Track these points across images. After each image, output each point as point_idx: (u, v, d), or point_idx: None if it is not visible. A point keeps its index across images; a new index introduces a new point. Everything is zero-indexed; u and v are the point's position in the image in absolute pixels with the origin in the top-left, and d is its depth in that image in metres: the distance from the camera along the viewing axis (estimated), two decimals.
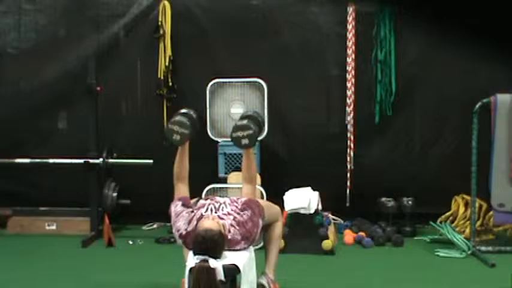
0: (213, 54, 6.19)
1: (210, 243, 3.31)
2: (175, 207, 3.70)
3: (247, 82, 5.84)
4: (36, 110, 6.25)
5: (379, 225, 5.73)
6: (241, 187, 3.86)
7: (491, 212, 5.43)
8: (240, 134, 3.65)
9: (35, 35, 6.31)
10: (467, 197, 5.58)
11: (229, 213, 3.60)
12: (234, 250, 3.51)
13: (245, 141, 3.65)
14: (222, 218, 3.55)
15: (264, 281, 3.90)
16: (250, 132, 3.66)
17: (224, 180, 5.69)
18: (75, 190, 5.98)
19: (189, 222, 3.59)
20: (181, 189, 3.82)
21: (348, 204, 6.12)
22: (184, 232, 3.57)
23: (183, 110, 3.90)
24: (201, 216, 3.59)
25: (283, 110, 6.20)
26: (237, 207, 3.65)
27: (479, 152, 5.16)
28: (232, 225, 3.54)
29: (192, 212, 3.64)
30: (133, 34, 6.27)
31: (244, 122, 3.72)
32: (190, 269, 3.29)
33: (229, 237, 3.49)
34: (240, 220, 3.56)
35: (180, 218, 3.63)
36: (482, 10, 5.80)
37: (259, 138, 3.71)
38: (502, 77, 5.83)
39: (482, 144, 5.15)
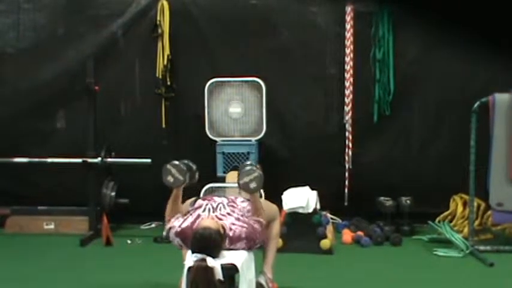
0: (212, 54, 6.20)
1: (208, 242, 3.31)
2: (172, 223, 3.70)
3: (245, 81, 5.85)
4: (35, 109, 6.24)
5: (377, 224, 5.73)
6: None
7: (489, 212, 5.44)
8: (246, 179, 3.70)
9: (33, 34, 6.31)
10: (466, 196, 5.58)
11: (228, 214, 3.61)
12: (233, 249, 3.52)
13: (253, 185, 3.69)
14: (220, 219, 3.55)
15: (262, 280, 3.91)
16: (256, 174, 3.70)
17: (222, 180, 5.69)
18: (74, 189, 5.99)
19: (184, 220, 3.60)
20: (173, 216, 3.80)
21: (346, 204, 6.12)
22: (179, 229, 3.57)
23: (186, 161, 3.92)
24: (198, 216, 3.60)
25: (281, 110, 6.20)
26: (241, 207, 3.68)
27: (478, 152, 5.17)
28: (234, 223, 3.54)
29: (188, 213, 3.66)
30: (131, 33, 6.26)
31: (248, 167, 3.77)
32: (189, 268, 3.29)
33: (231, 234, 3.50)
34: (249, 222, 3.60)
35: (175, 220, 3.66)
36: (481, 10, 5.80)
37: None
38: (501, 77, 5.83)
39: (480, 143, 5.16)
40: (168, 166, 3.77)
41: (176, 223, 3.61)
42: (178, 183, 3.76)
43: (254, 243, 3.62)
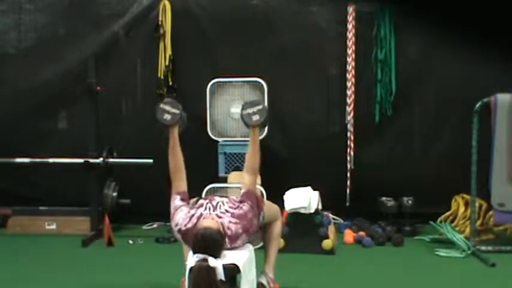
0: (213, 54, 6.20)
1: (209, 242, 3.31)
2: (174, 201, 3.66)
3: (247, 82, 5.85)
4: (36, 110, 6.25)
5: (379, 224, 5.73)
6: (241, 186, 3.84)
7: (491, 212, 5.43)
8: (250, 110, 3.61)
9: (35, 34, 6.32)
10: (467, 197, 5.58)
11: (226, 211, 3.59)
12: (235, 247, 3.51)
13: (256, 117, 3.60)
14: (219, 217, 3.55)
15: (263, 280, 3.91)
16: (260, 107, 3.61)
17: (224, 180, 5.69)
18: (75, 190, 5.98)
19: (189, 219, 3.58)
20: (178, 184, 3.74)
21: (348, 204, 6.12)
22: (183, 228, 3.56)
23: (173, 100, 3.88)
24: (201, 215, 3.59)
25: (283, 110, 6.20)
26: (234, 203, 3.64)
27: (479, 152, 5.16)
28: (231, 221, 3.52)
29: (192, 209, 3.64)
30: (133, 34, 6.27)
31: (254, 98, 3.67)
32: (190, 269, 3.29)
33: (229, 233, 3.49)
34: (239, 213, 3.55)
35: (179, 212, 3.60)
36: (482, 10, 5.81)
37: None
38: (502, 77, 5.83)
39: (482, 143, 5.15)
40: (161, 105, 3.70)
41: (181, 222, 3.58)
42: (176, 117, 3.69)
43: (254, 230, 3.61)
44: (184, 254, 3.75)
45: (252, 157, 3.75)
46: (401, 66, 6.08)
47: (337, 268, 4.84)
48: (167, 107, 3.69)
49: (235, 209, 3.59)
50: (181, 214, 3.59)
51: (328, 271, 4.74)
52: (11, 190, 6.27)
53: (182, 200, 3.68)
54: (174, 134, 3.77)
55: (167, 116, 3.68)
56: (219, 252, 3.36)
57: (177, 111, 3.70)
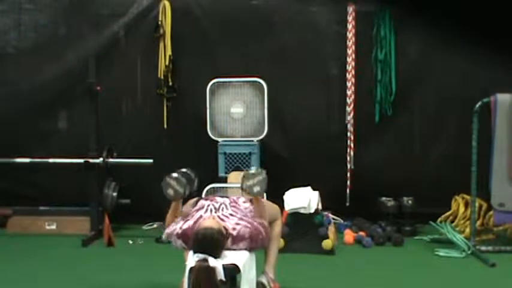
0: (213, 54, 6.20)
1: (210, 242, 3.32)
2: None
3: (247, 82, 5.85)
4: (36, 110, 6.25)
5: (379, 224, 5.73)
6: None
7: (491, 212, 5.44)
8: (251, 182, 3.68)
9: (35, 34, 6.32)
10: (467, 197, 5.58)
11: (231, 215, 3.61)
12: (235, 249, 3.52)
13: (257, 189, 3.68)
14: (223, 219, 3.55)
15: (264, 280, 3.91)
16: (260, 178, 3.68)
17: (224, 180, 5.69)
18: (75, 190, 5.99)
19: (185, 222, 3.60)
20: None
21: (348, 204, 6.12)
22: (180, 231, 3.57)
23: (183, 170, 3.91)
24: (200, 217, 3.60)
25: (283, 110, 6.21)
26: (243, 208, 3.66)
27: (479, 152, 5.16)
28: (238, 223, 3.54)
29: (187, 216, 3.66)
30: (133, 34, 6.27)
31: (253, 171, 3.74)
32: (191, 269, 3.29)
33: (234, 234, 3.49)
34: (253, 222, 3.60)
35: (173, 224, 3.66)
36: (482, 10, 5.80)
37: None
38: (502, 77, 5.83)
39: (482, 143, 5.15)
40: (168, 179, 3.75)
41: (177, 225, 3.61)
42: (179, 196, 3.75)
43: (256, 244, 3.63)
44: (184, 253, 3.75)
45: (261, 217, 3.74)
46: (401, 66, 6.08)
47: (337, 268, 4.84)
48: (172, 183, 3.76)
49: (246, 215, 3.63)
50: (176, 223, 3.65)
51: (328, 271, 4.74)
52: (11, 190, 6.27)
53: (177, 222, 3.72)
54: (175, 206, 3.81)
55: (170, 191, 3.76)
56: (219, 252, 3.37)
57: (180, 190, 3.75)
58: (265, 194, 5.08)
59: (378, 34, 6.06)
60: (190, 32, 6.20)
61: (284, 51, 6.17)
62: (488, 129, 5.15)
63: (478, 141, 5.16)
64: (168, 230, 3.68)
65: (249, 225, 3.56)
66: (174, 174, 3.77)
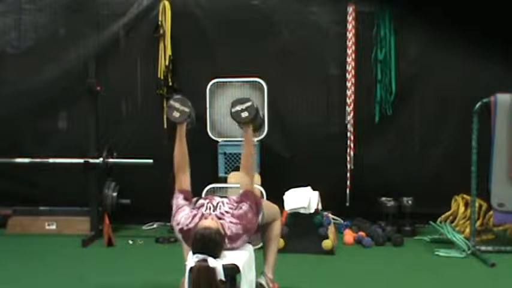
0: (213, 54, 6.20)
1: (209, 242, 3.31)
2: (177, 199, 3.70)
3: (247, 82, 5.85)
4: (36, 110, 6.25)
5: (379, 225, 5.73)
6: (239, 187, 3.85)
7: (491, 212, 5.43)
8: (238, 107, 3.67)
9: (35, 34, 6.32)
10: (467, 197, 5.58)
11: (226, 212, 3.60)
12: (235, 247, 3.52)
13: (245, 114, 3.66)
14: (220, 218, 3.55)
15: (262, 281, 3.90)
16: (249, 104, 3.66)
17: (224, 180, 5.69)
18: (75, 190, 5.99)
19: (192, 219, 3.58)
20: (182, 179, 3.79)
21: (347, 204, 6.12)
22: (185, 228, 3.56)
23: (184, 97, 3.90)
24: (202, 214, 3.60)
25: (283, 110, 6.21)
26: (233, 203, 3.65)
27: (479, 152, 5.16)
28: (231, 222, 3.53)
29: (194, 209, 3.64)
30: (133, 34, 6.27)
31: (243, 97, 3.72)
32: (190, 269, 3.29)
33: (229, 234, 3.49)
34: (239, 213, 3.56)
35: (181, 211, 3.62)
36: (482, 10, 5.81)
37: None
38: (502, 77, 5.83)
39: (482, 144, 5.15)
40: (172, 102, 3.77)
41: (183, 221, 3.58)
42: (185, 115, 3.75)
43: (254, 230, 3.63)
44: (184, 254, 3.75)
45: (247, 157, 3.77)
46: (401, 66, 6.08)
47: (337, 268, 4.84)
48: (177, 105, 3.76)
49: (234, 209, 3.60)
50: (184, 213, 3.60)
51: (328, 271, 4.74)
52: (11, 190, 6.26)
53: (185, 199, 3.70)
54: (182, 131, 3.82)
55: (176, 114, 3.75)
56: (218, 252, 3.36)
57: (186, 109, 3.76)
58: (264, 194, 5.12)
59: (378, 34, 6.06)
60: (190, 32, 6.20)
61: (284, 51, 6.17)
62: (488, 129, 5.15)
63: (478, 141, 5.16)
64: (174, 222, 3.63)
65: (238, 221, 3.52)
66: (177, 96, 3.77)
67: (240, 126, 3.85)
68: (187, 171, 3.82)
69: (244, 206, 3.60)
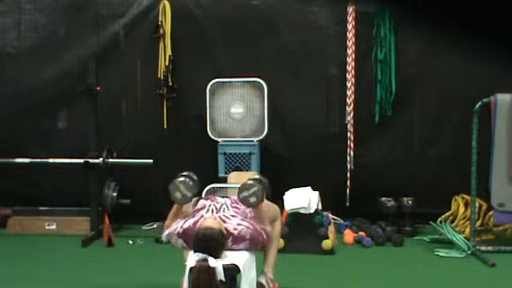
0: (213, 54, 6.20)
1: (211, 242, 3.32)
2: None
3: (247, 82, 5.85)
4: (36, 110, 6.25)
5: (379, 225, 5.73)
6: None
7: (491, 212, 5.44)
8: (246, 193, 3.68)
9: (35, 34, 6.32)
10: (467, 197, 5.58)
11: (233, 216, 3.61)
12: (235, 249, 3.52)
13: (253, 199, 3.68)
14: (224, 220, 3.56)
15: (263, 280, 3.91)
16: (255, 189, 3.68)
17: (224, 180, 5.69)
18: (75, 190, 5.99)
19: (185, 221, 3.60)
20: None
21: (348, 204, 6.12)
22: (181, 230, 3.58)
23: (187, 173, 3.89)
24: (201, 216, 3.60)
25: (283, 110, 6.20)
26: (244, 209, 3.67)
27: (479, 152, 5.16)
28: (239, 224, 3.54)
29: (188, 216, 3.66)
30: (133, 34, 6.27)
31: (248, 182, 3.74)
32: (190, 269, 3.30)
33: (235, 234, 3.50)
34: (253, 224, 3.60)
35: (175, 224, 3.67)
36: (482, 10, 5.80)
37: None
38: (502, 77, 5.83)
39: (482, 144, 5.15)
40: (177, 183, 3.75)
41: (178, 224, 3.61)
42: (186, 200, 3.76)
43: (256, 246, 3.64)
44: (184, 254, 3.75)
45: (264, 224, 3.75)
46: (401, 67, 6.07)
47: (337, 268, 4.84)
48: (181, 187, 3.74)
49: (248, 217, 3.64)
50: (177, 222, 3.65)
51: (328, 271, 4.74)
52: (11, 190, 6.26)
53: (177, 222, 3.73)
54: (178, 210, 3.81)
55: (178, 195, 3.75)
56: (219, 253, 3.37)
57: (188, 194, 3.74)
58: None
59: (378, 34, 6.06)
60: (190, 32, 6.20)
61: (284, 51, 6.17)
62: (488, 129, 5.15)
63: (478, 141, 5.16)
64: (168, 230, 3.68)
65: (250, 227, 3.57)
66: (182, 178, 3.76)
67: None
68: None
69: (260, 229, 3.62)
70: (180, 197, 3.75)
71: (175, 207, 3.81)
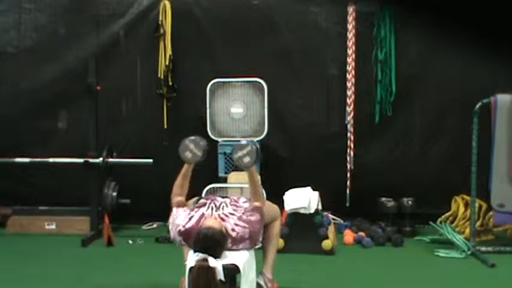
0: (213, 54, 6.20)
1: (211, 241, 3.32)
2: (173, 211, 3.72)
3: (247, 82, 5.85)
4: (36, 110, 6.25)
5: (379, 225, 5.73)
6: (240, 186, 3.86)
7: (491, 212, 5.43)
8: (240, 153, 3.69)
9: (35, 34, 6.32)
10: (467, 197, 5.58)
11: (231, 214, 3.61)
12: (236, 249, 3.52)
13: (247, 159, 3.69)
14: (223, 219, 3.55)
15: (261, 281, 3.90)
16: (249, 149, 3.69)
17: (224, 180, 5.69)
18: (75, 190, 5.99)
19: (189, 219, 3.59)
20: (177, 203, 3.80)
21: (348, 204, 6.12)
22: (183, 229, 3.57)
23: (199, 137, 3.91)
24: (203, 214, 3.60)
25: (283, 110, 6.21)
26: (243, 207, 3.66)
27: (479, 152, 5.16)
28: (237, 224, 3.54)
29: (192, 210, 3.65)
30: (133, 34, 6.28)
31: (242, 142, 3.75)
32: (190, 269, 3.29)
33: (234, 235, 3.49)
34: (249, 219, 3.58)
35: (178, 216, 3.65)
36: (482, 10, 5.81)
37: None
38: (502, 77, 5.83)
39: (482, 144, 5.15)
40: (187, 141, 3.78)
41: (181, 222, 3.59)
42: (196, 158, 3.77)
43: (257, 241, 3.64)
44: (184, 254, 3.75)
45: (256, 194, 3.76)
46: (401, 67, 6.08)
47: (337, 268, 4.84)
48: (191, 146, 3.78)
49: (243, 213, 3.60)
50: (181, 216, 3.63)
51: (328, 271, 4.74)
52: (11, 190, 6.26)
53: (179, 207, 3.73)
54: (189, 170, 3.83)
55: (188, 154, 3.77)
56: (219, 253, 3.37)
57: (198, 153, 3.78)
58: (264, 194, 5.11)
59: (378, 34, 6.06)
60: (190, 31, 6.20)
61: (284, 51, 6.17)
62: (488, 130, 5.14)
63: (478, 141, 5.15)
64: (171, 225, 3.65)
65: (247, 225, 3.55)
66: (193, 137, 3.77)
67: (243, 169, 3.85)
68: (183, 196, 3.84)
69: (255, 216, 3.62)
70: (190, 156, 3.76)
71: (184, 168, 3.81)
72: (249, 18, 6.17)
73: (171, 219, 3.69)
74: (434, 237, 5.55)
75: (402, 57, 6.09)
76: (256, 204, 3.71)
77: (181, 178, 3.82)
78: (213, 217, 3.53)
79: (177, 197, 3.81)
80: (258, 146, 3.82)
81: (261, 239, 3.71)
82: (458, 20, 5.85)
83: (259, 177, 3.89)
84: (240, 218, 3.58)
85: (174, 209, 3.73)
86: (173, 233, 3.64)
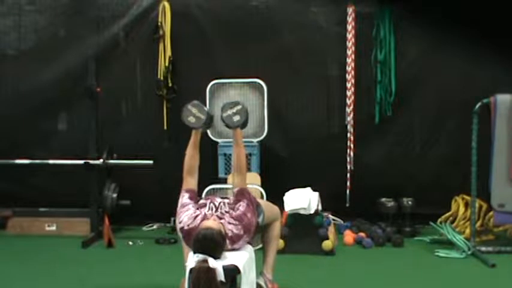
0: (213, 55, 6.20)
1: (210, 242, 3.32)
2: (182, 198, 3.72)
3: (247, 83, 5.85)
4: (36, 111, 6.25)
5: (379, 225, 5.73)
6: (232, 187, 3.86)
7: (491, 213, 5.43)
8: (230, 111, 3.69)
9: (35, 36, 6.32)
10: (467, 197, 5.58)
11: (226, 212, 3.60)
12: (236, 249, 3.52)
13: (237, 118, 3.71)
14: (220, 218, 3.55)
15: (261, 281, 3.91)
16: (240, 107, 3.69)
17: (224, 181, 5.69)
18: (75, 191, 5.99)
19: (194, 219, 3.58)
20: (189, 181, 3.82)
21: (348, 205, 6.12)
22: (186, 227, 3.57)
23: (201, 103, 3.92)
24: (204, 215, 3.60)
25: (283, 110, 6.20)
26: (231, 204, 3.65)
27: (479, 152, 5.16)
28: (230, 223, 3.54)
29: (198, 209, 3.65)
30: (133, 35, 6.27)
31: (231, 101, 3.74)
32: (190, 270, 3.29)
33: (230, 234, 3.49)
34: (237, 214, 3.57)
35: (186, 210, 3.63)
36: (482, 10, 5.80)
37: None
38: (502, 77, 5.83)
39: (482, 144, 5.15)
40: (189, 106, 3.78)
41: (186, 221, 3.58)
42: (200, 122, 3.78)
43: (254, 229, 3.64)
44: (184, 254, 3.75)
45: (239, 156, 3.79)
46: (401, 67, 6.07)
47: (337, 269, 4.84)
48: (194, 110, 3.78)
49: (232, 210, 3.60)
50: (187, 213, 3.62)
51: (328, 272, 4.74)
52: (11, 191, 6.26)
53: (190, 198, 3.71)
54: (196, 136, 3.86)
55: (191, 119, 3.77)
56: (219, 253, 3.36)
57: (202, 116, 3.78)
58: (264, 195, 5.12)
59: (378, 35, 6.06)
60: (190, 32, 6.20)
61: (284, 51, 6.17)
62: (488, 130, 5.14)
63: (478, 141, 5.15)
64: (177, 219, 3.64)
65: (237, 222, 3.53)
66: (195, 101, 3.77)
67: (230, 128, 3.88)
68: (195, 175, 3.86)
69: (242, 206, 3.60)
70: (194, 120, 3.77)
71: (192, 137, 3.84)
72: (248, 18, 6.17)
73: (178, 206, 3.68)
74: (435, 238, 5.56)
75: (402, 58, 6.09)
76: (237, 189, 3.69)
77: (191, 148, 3.84)
78: (212, 218, 3.53)
79: (188, 178, 3.80)
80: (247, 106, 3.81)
81: (256, 224, 3.68)
82: (458, 20, 5.85)
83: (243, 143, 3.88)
84: (231, 216, 3.57)
85: (183, 193, 3.72)
86: (177, 224, 3.64)
